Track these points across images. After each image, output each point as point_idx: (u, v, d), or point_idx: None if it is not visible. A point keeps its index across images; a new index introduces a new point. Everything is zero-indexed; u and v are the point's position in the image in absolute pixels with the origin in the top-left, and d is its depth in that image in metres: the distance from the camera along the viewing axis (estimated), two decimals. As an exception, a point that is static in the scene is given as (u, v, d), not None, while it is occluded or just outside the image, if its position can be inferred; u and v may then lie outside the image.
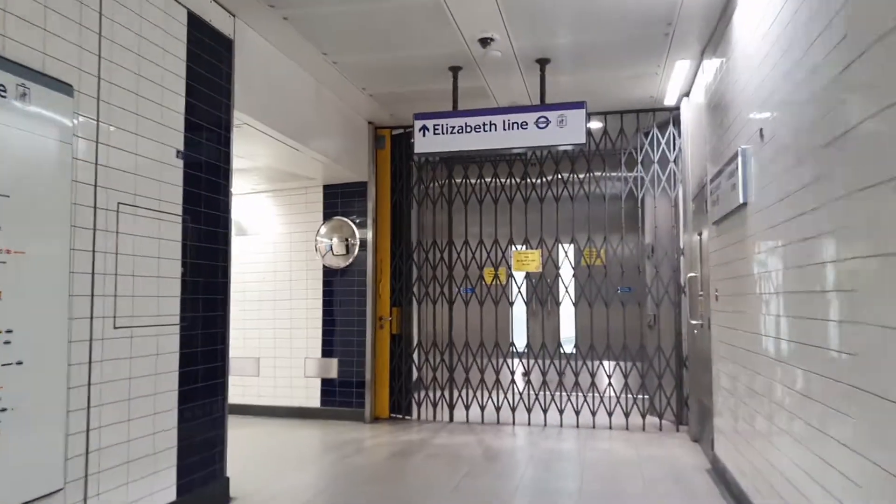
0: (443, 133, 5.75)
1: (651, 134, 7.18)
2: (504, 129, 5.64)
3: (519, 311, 7.79)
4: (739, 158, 3.99)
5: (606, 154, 7.22)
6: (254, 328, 7.95)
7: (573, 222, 7.25)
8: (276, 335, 7.84)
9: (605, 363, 7.16)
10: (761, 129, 3.62)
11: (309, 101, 6.19)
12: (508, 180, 7.49)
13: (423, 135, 5.80)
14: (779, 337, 3.33)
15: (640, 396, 7.16)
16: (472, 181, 7.60)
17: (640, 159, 7.21)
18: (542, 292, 7.58)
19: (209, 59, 4.34)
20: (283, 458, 5.91)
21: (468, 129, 5.70)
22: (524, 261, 7.40)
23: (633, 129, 7.19)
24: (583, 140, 5.51)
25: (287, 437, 6.76)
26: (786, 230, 3.17)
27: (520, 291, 7.51)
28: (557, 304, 7.54)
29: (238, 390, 7.95)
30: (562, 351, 7.34)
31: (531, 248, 7.41)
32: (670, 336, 7.08)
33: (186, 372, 4.02)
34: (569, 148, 5.77)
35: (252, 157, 6.36)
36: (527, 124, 5.60)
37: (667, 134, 7.09)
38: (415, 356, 7.66)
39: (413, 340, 7.71)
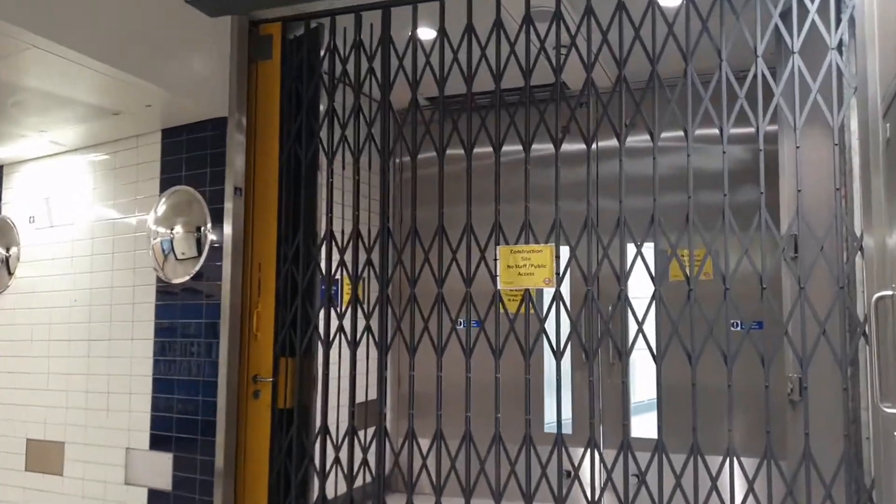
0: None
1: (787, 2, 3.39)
2: None
3: (510, 364, 3.96)
4: None
5: (692, 59, 3.48)
6: (61, 389, 4.56)
7: (621, 196, 3.52)
8: (88, 404, 4.41)
9: (693, 470, 3.31)
10: None
11: None
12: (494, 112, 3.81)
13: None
14: None
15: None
16: (428, 115, 3.98)
17: (760, 52, 3.41)
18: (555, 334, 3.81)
19: None
20: None
21: None
22: (521, 266, 3.69)
23: (747, -11, 3.43)
24: None
25: None
26: None
27: (497, 330, 3.76)
28: (585, 352, 3.75)
29: (34, 497, 4.56)
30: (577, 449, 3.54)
31: (535, 244, 3.69)
32: (832, 428, 3.21)
33: None
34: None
35: None
36: None
37: (821, -5, 3.30)
38: (317, 451, 4.01)
39: (316, 420, 4.07)
